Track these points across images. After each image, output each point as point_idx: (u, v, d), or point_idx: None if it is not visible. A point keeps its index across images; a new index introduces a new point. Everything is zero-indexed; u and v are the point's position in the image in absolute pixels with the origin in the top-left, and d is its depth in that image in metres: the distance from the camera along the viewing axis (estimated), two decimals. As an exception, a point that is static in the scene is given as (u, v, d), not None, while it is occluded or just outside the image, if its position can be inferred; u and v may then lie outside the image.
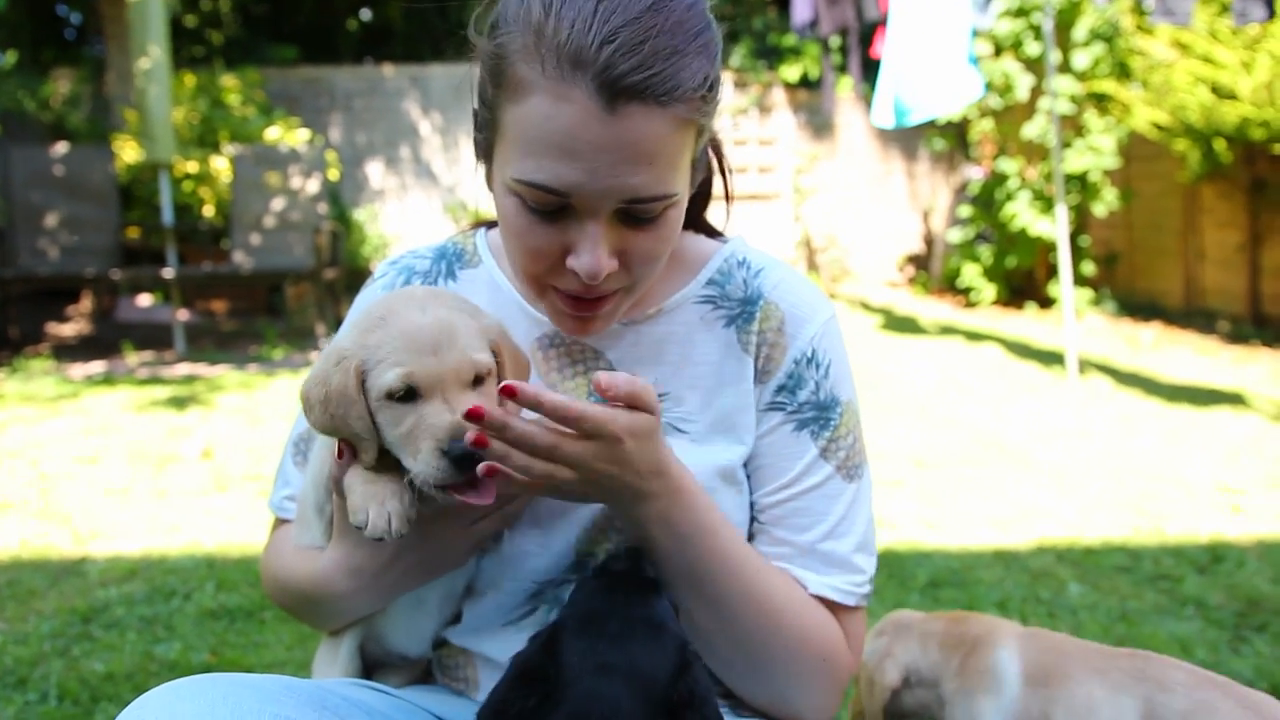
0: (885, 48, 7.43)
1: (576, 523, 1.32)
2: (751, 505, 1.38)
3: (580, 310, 1.28)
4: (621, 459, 1.15)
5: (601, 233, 1.19)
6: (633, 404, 1.14)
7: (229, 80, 11.05)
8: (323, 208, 9.47)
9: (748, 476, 1.38)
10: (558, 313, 1.30)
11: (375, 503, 1.16)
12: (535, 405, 1.10)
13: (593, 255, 1.19)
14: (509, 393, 1.09)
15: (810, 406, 1.37)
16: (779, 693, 1.34)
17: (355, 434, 1.17)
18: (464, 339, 1.16)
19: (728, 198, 1.55)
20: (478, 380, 1.17)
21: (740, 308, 1.39)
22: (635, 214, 1.20)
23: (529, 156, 1.16)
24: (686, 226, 1.50)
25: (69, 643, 3.04)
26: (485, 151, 1.29)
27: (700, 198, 1.53)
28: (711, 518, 1.27)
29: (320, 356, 1.20)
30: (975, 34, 7.10)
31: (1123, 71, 10.13)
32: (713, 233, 1.53)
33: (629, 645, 1.14)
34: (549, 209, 1.19)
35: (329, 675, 1.41)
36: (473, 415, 1.08)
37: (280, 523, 1.53)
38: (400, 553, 1.29)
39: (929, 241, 13.92)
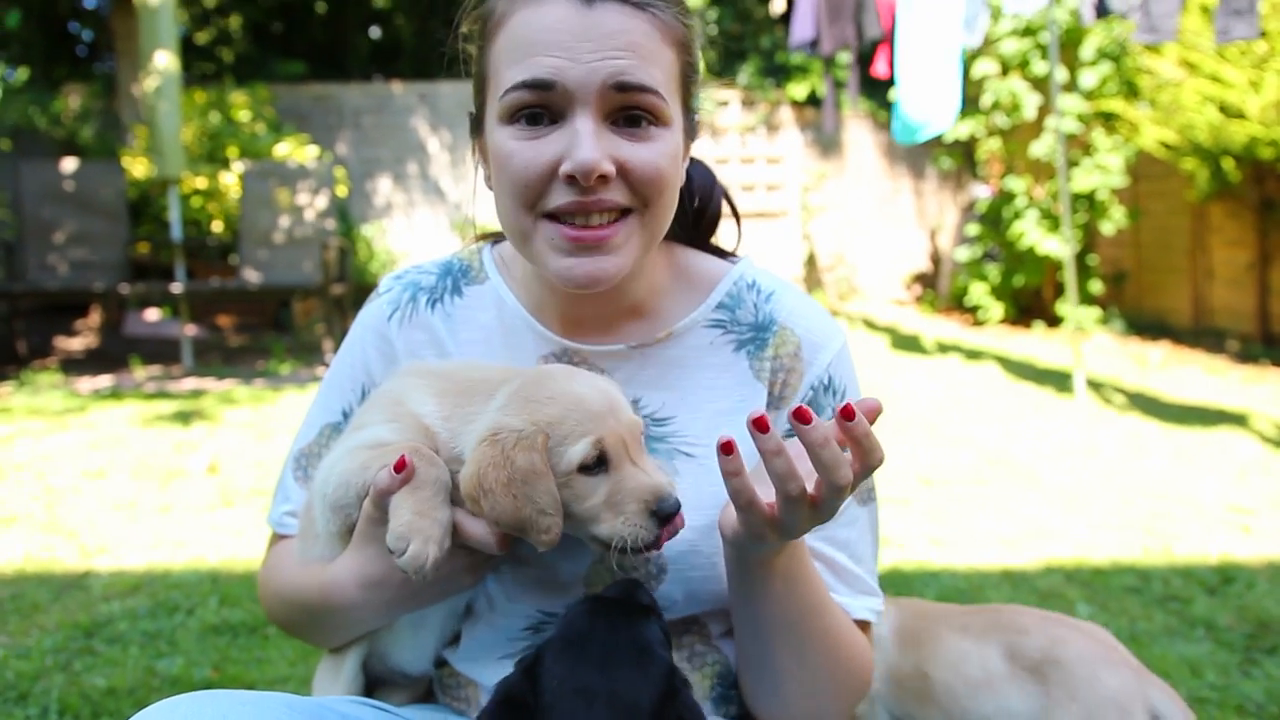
0: (897, 66, 7.50)
1: (583, 558, 1.31)
2: None
3: (582, 239, 1.21)
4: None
5: (591, 126, 1.18)
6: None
7: (239, 97, 11.11)
8: (331, 224, 9.50)
9: None
10: (557, 252, 1.23)
11: (420, 536, 1.14)
12: (823, 441, 1.03)
13: (582, 148, 1.17)
14: (802, 417, 1.02)
15: None
16: (817, 715, 1.34)
17: (539, 511, 1.12)
18: (624, 402, 1.18)
19: (737, 218, 1.56)
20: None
21: (751, 333, 1.38)
22: (624, 113, 1.20)
23: (515, 65, 1.19)
24: (691, 244, 1.50)
25: (71, 657, 3.03)
26: (478, 124, 1.31)
27: (707, 221, 1.53)
28: (814, 568, 1.27)
29: (482, 445, 1.14)
30: (971, 52, 7.21)
31: (1130, 90, 10.14)
32: (721, 253, 1.52)
33: (612, 670, 1.11)
34: (539, 110, 1.19)
35: (331, 692, 1.40)
36: (798, 416, 1.01)
37: (279, 538, 1.51)
38: None
39: (936, 260, 13.91)
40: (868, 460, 1.05)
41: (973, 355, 9.35)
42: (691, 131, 1.32)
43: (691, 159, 1.42)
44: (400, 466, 1.17)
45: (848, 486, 1.05)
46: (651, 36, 1.19)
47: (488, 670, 1.36)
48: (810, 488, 1.06)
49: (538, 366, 1.27)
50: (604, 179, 1.18)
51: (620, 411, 1.16)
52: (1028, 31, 10.29)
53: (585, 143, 1.16)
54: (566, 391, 1.16)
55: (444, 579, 1.25)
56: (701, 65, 1.32)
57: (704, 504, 1.30)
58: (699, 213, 1.52)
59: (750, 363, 1.36)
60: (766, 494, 1.09)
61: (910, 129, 7.41)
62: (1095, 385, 7.48)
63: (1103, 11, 6.18)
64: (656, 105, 1.20)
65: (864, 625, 1.38)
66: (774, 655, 1.28)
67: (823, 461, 1.03)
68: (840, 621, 1.31)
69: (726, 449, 1.04)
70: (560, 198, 1.20)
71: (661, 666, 1.14)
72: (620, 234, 1.22)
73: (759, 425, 1.03)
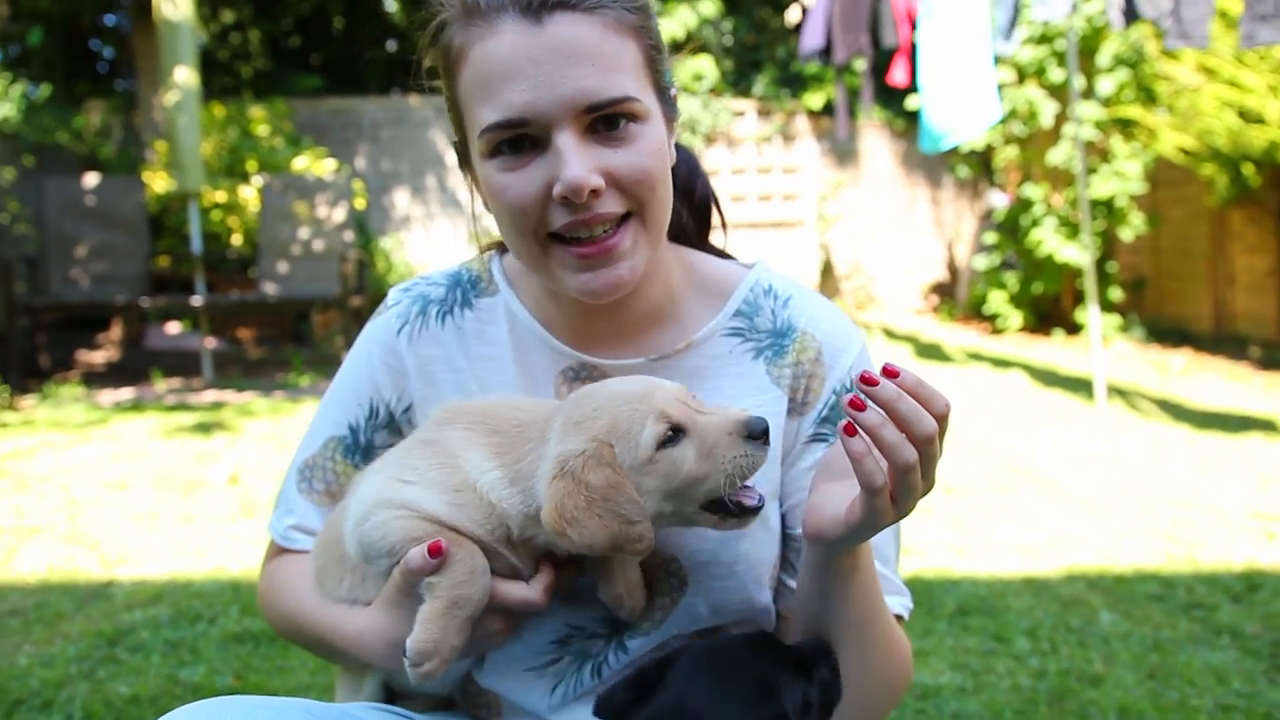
0: (921, 74, 7.49)
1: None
2: (800, 538, 1.35)
3: (592, 254, 1.22)
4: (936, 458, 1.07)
5: (572, 144, 1.17)
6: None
7: (257, 111, 11.20)
8: (349, 236, 9.55)
9: (788, 511, 1.37)
10: (571, 271, 1.24)
11: (439, 658, 1.15)
12: (918, 388, 1.03)
13: (568, 167, 1.17)
14: (890, 374, 1.02)
15: None
16: (868, 716, 1.34)
17: (626, 523, 1.12)
18: (659, 380, 1.20)
19: (718, 205, 1.56)
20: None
21: (770, 340, 1.37)
22: (601, 124, 1.19)
23: (484, 104, 1.19)
24: (692, 243, 1.50)
25: (95, 665, 3.05)
26: (465, 158, 1.31)
27: (696, 204, 1.53)
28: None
29: (557, 479, 1.14)
30: (997, 60, 7.15)
31: (1148, 97, 10.10)
32: (726, 257, 1.52)
33: (724, 695, 1.13)
34: (518, 147, 1.19)
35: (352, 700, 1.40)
36: (865, 381, 1.01)
37: (280, 550, 1.49)
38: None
39: (953, 268, 13.87)
40: (934, 408, 1.03)
41: (992, 363, 9.31)
42: (670, 110, 1.31)
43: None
44: (435, 552, 1.15)
45: (934, 437, 1.02)
46: (607, 37, 1.18)
47: (513, 683, 1.35)
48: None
49: (575, 393, 1.26)
50: (595, 193, 1.18)
51: (662, 385, 1.17)
52: (1044, 39, 10.27)
53: (570, 162, 1.16)
54: (606, 397, 1.17)
55: (476, 641, 1.23)
56: (664, 36, 1.30)
57: None
58: (686, 199, 1.52)
59: (768, 369, 1.36)
60: (853, 488, 1.08)
61: (934, 137, 7.38)
62: (1116, 392, 7.43)
63: (1132, 17, 6.12)
64: (630, 109, 1.20)
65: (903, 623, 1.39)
66: (841, 659, 1.28)
67: (902, 415, 1.01)
68: (892, 622, 1.31)
69: (849, 430, 1.02)
70: (559, 219, 1.20)
71: (775, 710, 1.13)
72: (625, 239, 1.23)
73: (887, 373, 1.02)
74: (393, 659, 1.25)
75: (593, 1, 1.17)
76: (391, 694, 1.43)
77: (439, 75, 1.28)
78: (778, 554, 1.37)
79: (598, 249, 1.21)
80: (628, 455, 1.13)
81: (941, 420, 1.03)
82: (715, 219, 1.59)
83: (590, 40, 1.16)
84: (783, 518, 1.38)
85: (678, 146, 1.41)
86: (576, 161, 1.16)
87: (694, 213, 1.53)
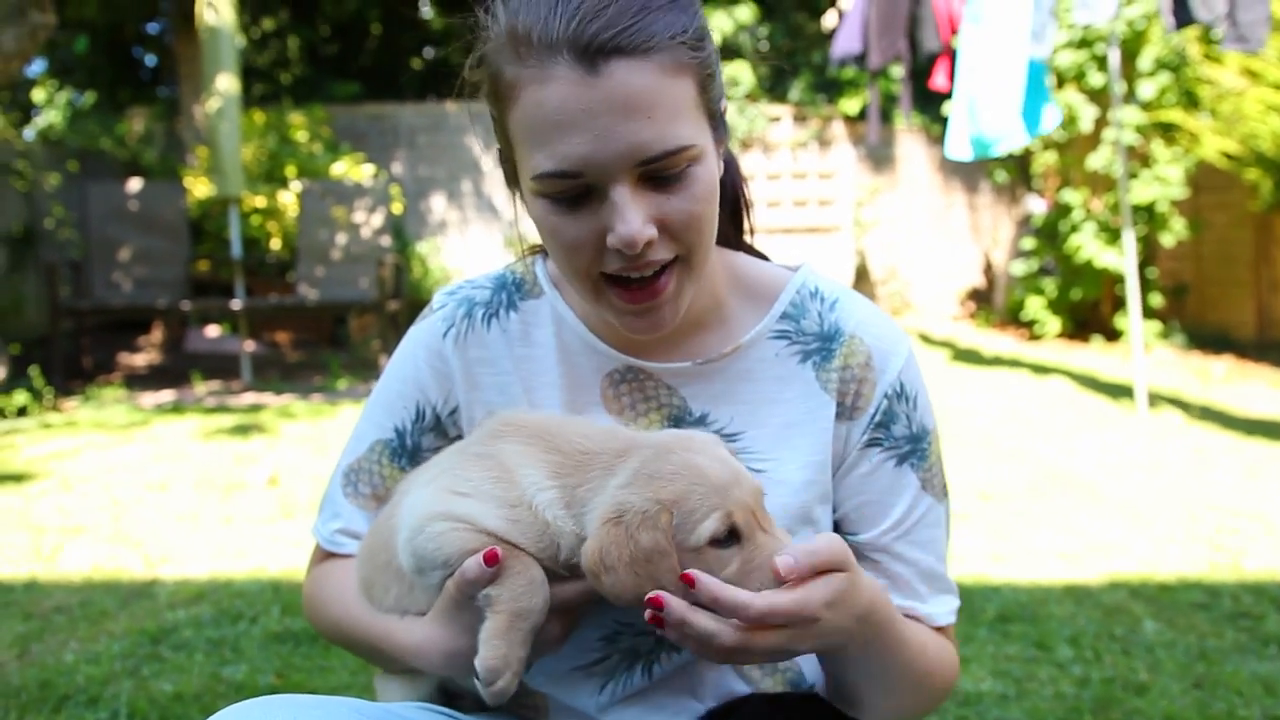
0: (959, 79, 7.41)
1: None
2: (862, 544, 1.36)
3: (639, 299, 1.23)
4: (822, 631, 1.08)
5: (628, 197, 1.16)
6: (823, 571, 1.08)
7: (296, 117, 11.32)
8: (386, 241, 9.62)
9: (846, 516, 1.37)
10: (619, 312, 1.25)
11: (510, 672, 1.14)
12: (713, 604, 1.04)
13: (624, 222, 1.16)
14: (687, 582, 1.05)
15: (905, 440, 1.36)
16: (901, 713, 1.35)
17: (658, 588, 1.10)
18: (744, 471, 1.17)
19: (747, 204, 1.54)
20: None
21: (817, 344, 1.36)
22: (656, 174, 1.18)
23: (537, 149, 1.17)
24: (731, 245, 1.49)
25: (139, 663, 3.09)
26: (512, 177, 1.30)
27: (734, 207, 1.51)
28: (897, 620, 1.24)
29: (605, 525, 1.13)
30: (1044, 65, 7.05)
31: (1190, 101, 9.97)
32: (762, 258, 1.51)
33: None
34: (573, 196, 1.18)
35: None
36: (653, 604, 1.05)
37: (326, 554, 1.48)
38: None
39: (991, 274, 13.76)
40: (743, 615, 1.05)
41: (1030, 369, 9.22)
42: (721, 133, 1.30)
43: None
44: (491, 560, 1.14)
45: (735, 648, 1.05)
46: (664, 83, 1.15)
47: (562, 682, 1.34)
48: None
49: (657, 439, 1.23)
50: (649, 243, 1.18)
51: (743, 481, 1.14)
52: (1083, 43, 10.17)
53: (626, 216, 1.16)
54: (689, 465, 1.14)
55: (536, 650, 1.22)
56: (718, 57, 1.28)
57: (775, 517, 1.30)
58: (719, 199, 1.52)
59: (816, 374, 1.35)
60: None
61: (983, 144, 7.28)
62: (1157, 399, 7.34)
63: (1185, 21, 6.00)
64: (686, 155, 1.18)
65: (949, 627, 1.39)
66: (860, 694, 1.29)
67: (694, 638, 1.06)
68: (924, 649, 1.30)
69: (654, 603, 1.05)
70: (612, 263, 1.20)
71: None
72: (671, 283, 1.23)
73: (684, 580, 1.06)
74: (451, 669, 1.25)
75: (649, 42, 1.14)
76: (447, 693, 1.44)
77: (484, 93, 1.27)
78: None
79: (646, 293, 1.22)
80: (681, 533, 1.12)
81: (761, 618, 1.04)
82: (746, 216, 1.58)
83: (647, 90, 1.14)
84: (836, 526, 1.38)
85: None
86: (632, 215, 1.16)
87: (724, 207, 1.52)
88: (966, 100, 7.29)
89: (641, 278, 1.22)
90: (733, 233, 1.51)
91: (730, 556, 1.11)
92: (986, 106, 7.09)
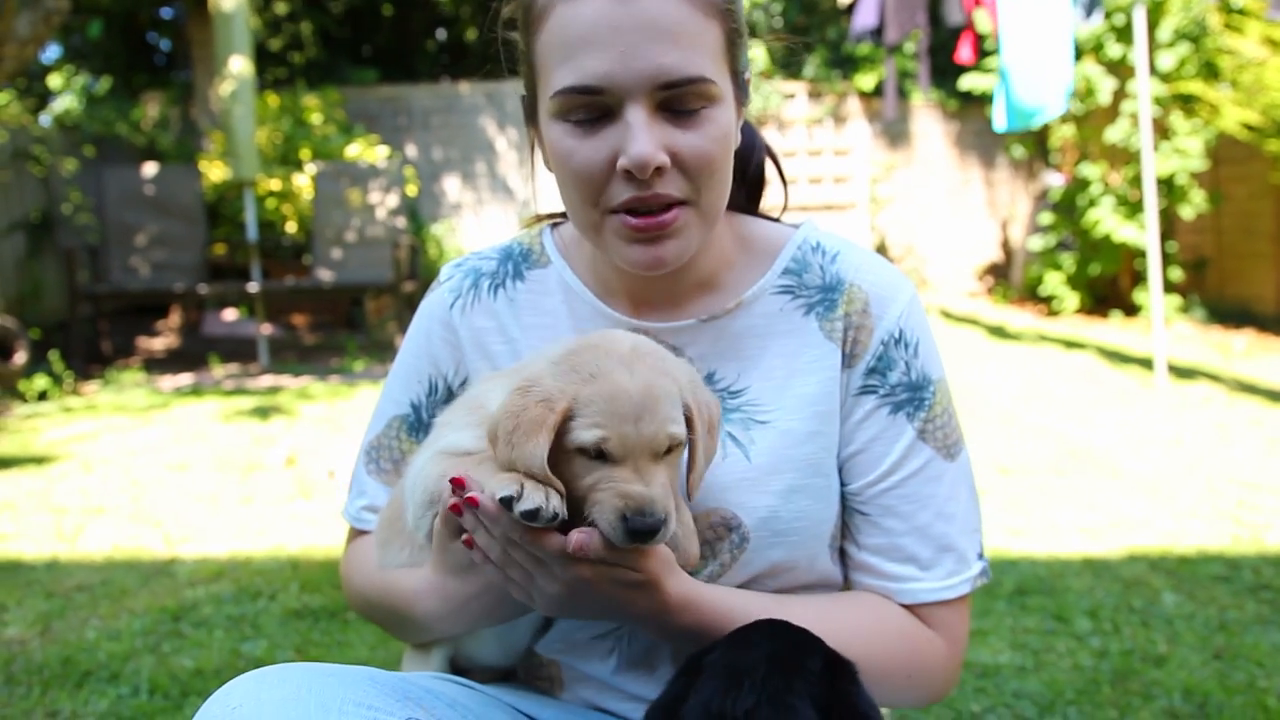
0: (1002, 50, 7.40)
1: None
2: (851, 495, 1.36)
3: (645, 228, 1.23)
4: (577, 592, 1.15)
5: (643, 119, 1.18)
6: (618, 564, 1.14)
7: (310, 100, 11.32)
8: (401, 222, 9.63)
9: (841, 466, 1.36)
10: (623, 240, 1.25)
11: (531, 482, 1.12)
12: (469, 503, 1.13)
13: (636, 142, 1.17)
14: (457, 484, 1.13)
15: (903, 388, 1.34)
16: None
17: (525, 467, 1.12)
18: (665, 409, 1.13)
19: (782, 177, 1.54)
20: (668, 449, 1.15)
21: (820, 295, 1.36)
22: (674, 102, 1.19)
23: (561, 65, 1.19)
24: (747, 211, 1.49)
25: (159, 639, 3.11)
26: (531, 111, 1.31)
27: (749, 182, 1.52)
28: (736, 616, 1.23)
29: (514, 391, 1.15)
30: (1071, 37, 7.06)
31: (1210, 71, 9.84)
32: (777, 221, 1.51)
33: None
34: (591, 116, 1.20)
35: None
36: (455, 482, 1.13)
37: (357, 533, 1.52)
38: (491, 584, 1.24)
39: (1008, 250, 13.67)
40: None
41: (1050, 345, 9.17)
42: (743, 95, 1.32)
43: None
44: (457, 484, 1.14)
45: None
46: (692, 15, 1.18)
47: (576, 651, 1.35)
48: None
49: (605, 332, 1.25)
50: (659, 171, 1.19)
51: (646, 421, 1.12)
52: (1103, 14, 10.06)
53: (639, 137, 1.17)
54: (610, 376, 1.13)
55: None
56: (745, 26, 1.30)
57: (781, 469, 1.30)
58: (739, 171, 1.51)
59: (820, 324, 1.35)
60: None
61: (1025, 114, 7.32)
62: (1177, 373, 7.28)
63: None
64: (705, 90, 1.20)
65: (943, 604, 1.34)
66: None
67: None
68: (857, 634, 1.28)
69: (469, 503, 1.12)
70: (621, 193, 1.21)
71: None
72: (680, 219, 1.23)
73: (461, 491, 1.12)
74: (447, 612, 1.28)
75: None
76: (457, 667, 1.44)
77: (516, 28, 1.29)
78: (838, 513, 1.36)
79: (654, 222, 1.22)
80: (568, 429, 1.12)
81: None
82: (777, 197, 1.58)
83: (675, 17, 1.17)
84: (840, 474, 1.37)
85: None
86: (645, 137, 1.17)
87: (745, 185, 1.52)
88: (1010, 71, 7.32)
89: (649, 210, 1.22)
90: (744, 202, 1.51)
91: (592, 469, 1.12)
92: (1028, 78, 7.11)
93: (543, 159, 1.33)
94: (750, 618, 1.20)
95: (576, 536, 1.09)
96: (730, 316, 1.36)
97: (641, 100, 1.18)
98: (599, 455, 1.12)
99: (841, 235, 1.44)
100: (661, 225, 1.22)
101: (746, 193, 1.52)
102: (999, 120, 7.62)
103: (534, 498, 1.09)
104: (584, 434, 1.11)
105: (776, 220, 1.50)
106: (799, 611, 1.24)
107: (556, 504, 1.09)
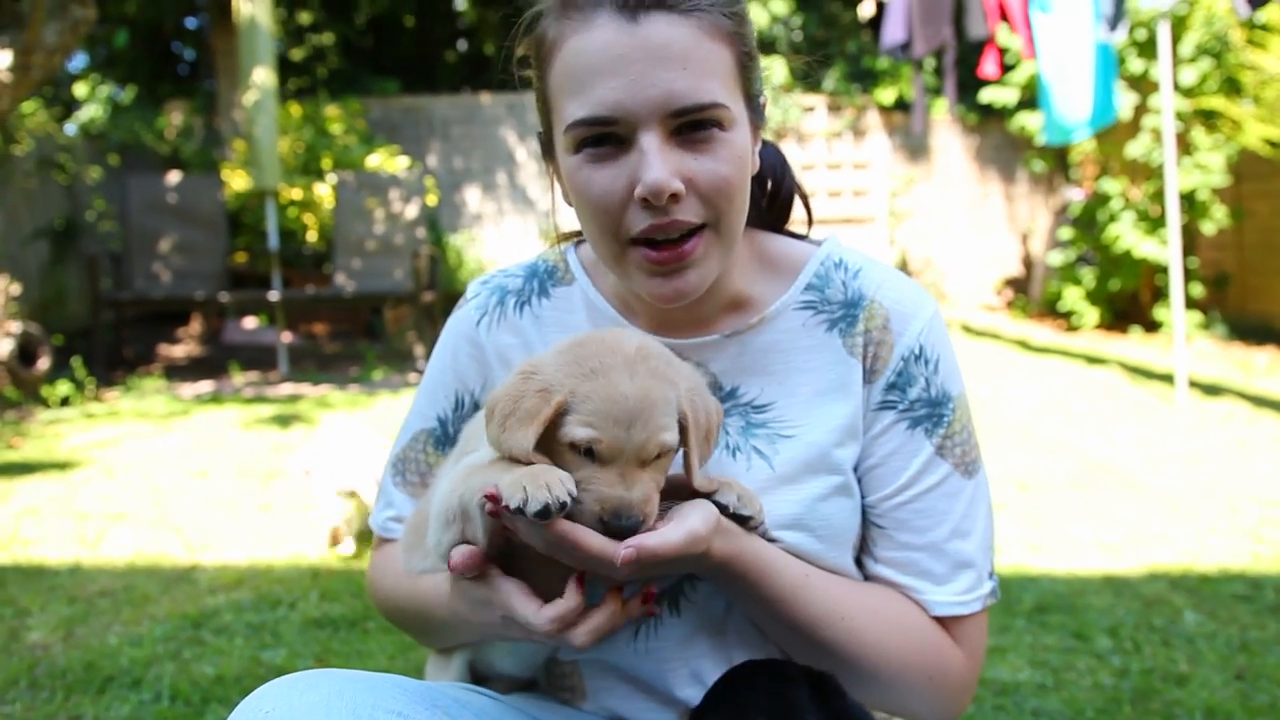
0: (1040, 65, 7.45)
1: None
2: (868, 508, 1.36)
3: (665, 258, 1.23)
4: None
5: (656, 146, 1.19)
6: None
7: (332, 110, 11.40)
8: (421, 232, 9.68)
9: (860, 479, 1.36)
10: (645, 274, 1.26)
11: (532, 482, 1.11)
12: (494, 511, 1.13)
13: (651, 169, 1.18)
14: (491, 498, 1.12)
15: (922, 404, 1.35)
16: (887, 704, 1.35)
17: (511, 454, 1.14)
18: (659, 417, 1.14)
19: (805, 202, 1.55)
20: (658, 456, 1.16)
21: (842, 311, 1.37)
22: (687, 129, 1.20)
23: (573, 98, 1.20)
24: (768, 227, 1.49)
25: (180, 646, 3.13)
26: (548, 147, 1.33)
27: (780, 204, 1.52)
28: (792, 581, 1.26)
29: (517, 374, 1.17)
30: (1110, 51, 7.07)
31: (1232, 87, 9.79)
32: (801, 238, 1.51)
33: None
34: (606, 146, 1.21)
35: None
36: (489, 497, 1.11)
37: (384, 541, 1.55)
38: (508, 619, 1.23)
39: (1028, 264, 13.62)
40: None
41: (1069, 360, 9.12)
42: (758, 119, 1.32)
43: (763, 141, 1.41)
44: (492, 498, 1.13)
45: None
46: (701, 41, 1.19)
47: (606, 645, 1.34)
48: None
49: (616, 329, 1.25)
50: (675, 197, 1.20)
51: (639, 427, 1.13)
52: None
53: (653, 164, 1.18)
54: (609, 376, 1.14)
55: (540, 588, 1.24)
56: (755, 44, 1.30)
57: (804, 478, 1.31)
58: (771, 196, 1.52)
59: (843, 340, 1.36)
60: None
61: (1065, 130, 7.37)
62: (1198, 390, 7.23)
63: (1258, 2, 5.90)
64: (717, 115, 1.20)
65: (961, 617, 1.35)
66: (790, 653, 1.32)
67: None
68: (866, 632, 1.29)
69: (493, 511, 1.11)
70: (640, 222, 1.22)
71: None
72: (699, 248, 1.24)
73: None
74: (476, 618, 1.27)
75: (690, 4, 1.18)
76: (477, 676, 1.46)
77: (530, 65, 1.30)
78: (859, 524, 1.37)
79: (671, 254, 1.23)
80: (562, 421, 1.14)
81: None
82: (799, 212, 1.59)
83: (684, 43, 1.17)
84: (860, 486, 1.37)
85: (766, 143, 1.42)
86: (659, 163, 1.18)
87: (772, 207, 1.53)
88: (1048, 87, 7.41)
89: (668, 239, 1.23)
90: (762, 213, 1.51)
91: (578, 466, 1.13)
92: (1064, 93, 7.17)
93: (562, 194, 1.34)
94: (782, 575, 1.24)
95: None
96: (754, 332, 1.37)
97: (654, 127, 1.18)
98: (588, 453, 1.13)
99: (865, 252, 1.45)
100: (681, 256, 1.23)
101: (774, 216, 1.53)
102: (1045, 134, 7.76)
103: (539, 497, 1.09)
104: (576, 431, 1.13)
105: (803, 237, 1.51)
106: (826, 584, 1.28)
107: (559, 490, 1.09)
